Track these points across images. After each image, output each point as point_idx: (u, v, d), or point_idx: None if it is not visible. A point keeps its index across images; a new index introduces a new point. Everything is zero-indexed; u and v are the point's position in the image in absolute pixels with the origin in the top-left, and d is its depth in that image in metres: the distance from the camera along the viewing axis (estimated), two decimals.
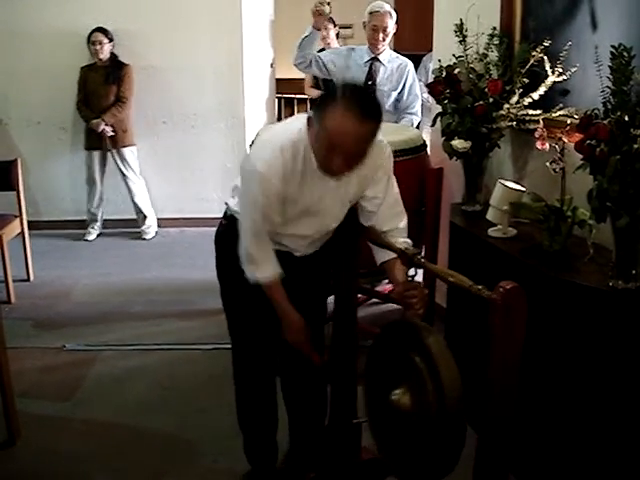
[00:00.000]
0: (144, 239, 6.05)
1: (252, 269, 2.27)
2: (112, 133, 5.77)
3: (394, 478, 2.32)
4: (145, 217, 6.09)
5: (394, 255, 2.30)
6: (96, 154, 5.88)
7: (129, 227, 6.18)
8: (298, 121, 2.21)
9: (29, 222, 5.02)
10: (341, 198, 2.29)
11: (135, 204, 6.05)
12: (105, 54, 5.77)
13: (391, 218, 2.35)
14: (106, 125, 5.72)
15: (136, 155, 6.03)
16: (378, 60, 4.51)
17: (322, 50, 6.26)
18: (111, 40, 5.79)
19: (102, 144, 5.80)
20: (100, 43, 5.72)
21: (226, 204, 2.50)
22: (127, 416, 3.29)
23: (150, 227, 6.12)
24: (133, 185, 6.00)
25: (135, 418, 3.27)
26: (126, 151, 5.93)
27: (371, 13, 4.44)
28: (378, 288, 4.26)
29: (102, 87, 5.78)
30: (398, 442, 2.14)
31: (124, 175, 5.95)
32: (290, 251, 2.40)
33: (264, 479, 2.76)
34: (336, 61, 4.56)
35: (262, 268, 2.26)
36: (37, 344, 4.01)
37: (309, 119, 2.09)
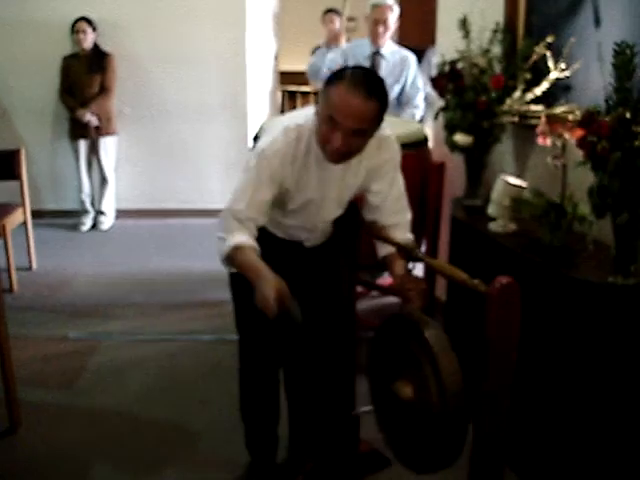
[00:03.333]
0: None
1: (224, 237, 2.13)
2: (97, 123, 5.79)
3: (391, 470, 2.34)
4: (103, 213, 6.10)
5: (394, 250, 2.32)
6: (81, 144, 5.91)
7: (132, 217, 6.20)
8: (307, 110, 2.25)
9: (32, 211, 5.03)
10: (343, 189, 2.31)
11: (101, 195, 6.08)
12: (88, 43, 5.78)
13: (395, 213, 2.37)
14: (91, 115, 5.74)
15: (116, 145, 6.07)
16: (380, 54, 4.53)
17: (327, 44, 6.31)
18: (95, 30, 5.82)
19: (87, 133, 5.82)
20: (84, 32, 5.74)
21: None
22: (128, 406, 3.31)
23: (103, 223, 6.12)
24: (108, 175, 6.04)
25: (136, 408, 3.29)
26: (108, 140, 5.96)
27: (373, 6, 4.47)
28: (379, 281, 4.28)
29: (85, 77, 5.80)
30: (403, 432, 2.16)
31: (101, 165, 5.98)
32: (300, 241, 2.41)
33: (264, 470, 2.78)
34: (339, 61, 4.61)
35: (233, 236, 2.11)
36: (39, 333, 4.03)
37: (316, 100, 2.13)
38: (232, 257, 2.11)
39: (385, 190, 2.34)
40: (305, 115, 2.20)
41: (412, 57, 4.62)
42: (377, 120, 2.08)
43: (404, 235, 2.35)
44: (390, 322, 2.26)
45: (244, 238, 2.10)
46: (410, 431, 2.12)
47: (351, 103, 1.99)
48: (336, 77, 2.04)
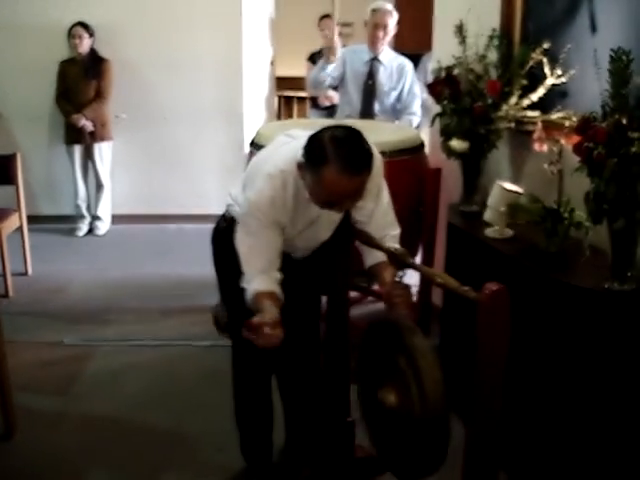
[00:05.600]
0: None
1: (246, 286, 2.23)
2: (92, 128, 5.78)
3: (388, 475, 2.34)
4: (99, 218, 6.08)
5: (382, 259, 2.33)
6: (76, 149, 5.90)
7: (128, 222, 6.20)
8: (287, 148, 2.24)
9: (28, 216, 5.02)
10: (331, 215, 2.32)
11: (96, 200, 6.07)
12: (84, 48, 5.77)
13: (383, 228, 2.36)
14: (86, 120, 5.73)
15: (111, 150, 6.05)
16: (378, 60, 4.54)
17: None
18: (92, 35, 5.80)
19: (82, 139, 5.81)
20: (80, 37, 5.72)
21: (226, 208, 2.52)
22: (125, 411, 3.30)
23: (99, 228, 6.10)
24: (104, 181, 6.03)
25: (133, 413, 3.28)
26: (103, 146, 5.95)
27: (373, 11, 4.49)
28: (374, 287, 4.27)
29: (81, 82, 5.78)
30: (389, 438, 2.16)
31: (97, 170, 5.97)
32: (288, 253, 2.42)
33: (260, 476, 2.77)
34: (339, 68, 4.61)
35: (251, 284, 2.21)
36: (35, 338, 4.02)
37: (299, 165, 2.10)
38: (252, 302, 2.20)
39: (370, 206, 2.33)
40: (289, 158, 2.17)
41: (409, 64, 4.64)
42: (369, 176, 2.08)
43: (393, 246, 2.34)
44: (375, 328, 2.26)
45: (263, 284, 2.17)
46: (396, 436, 2.12)
47: (346, 186, 2.00)
48: (320, 158, 2.00)
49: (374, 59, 4.54)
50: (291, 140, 2.28)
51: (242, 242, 2.25)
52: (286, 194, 2.17)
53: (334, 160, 1.97)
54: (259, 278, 2.19)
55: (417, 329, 2.09)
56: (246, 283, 2.21)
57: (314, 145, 2.05)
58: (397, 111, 4.63)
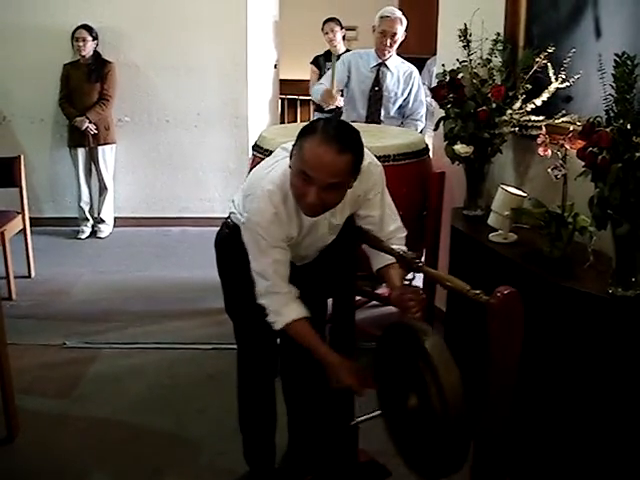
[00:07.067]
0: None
1: (273, 319, 2.23)
2: (95, 131, 5.78)
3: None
4: (102, 220, 6.08)
5: (391, 261, 2.32)
6: (80, 151, 5.89)
7: (131, 225, 6.20)
8: (283, 161, 2.23)
9: (31, 219, 5.02)
10: (333, 225, 2.32)
11: (100, 202, 6.07)
12: (88, 51, 5.77)
13: (389, 234, 2.36)
14: (90, 123, 5.74)
15: (115, 154, 6.06)
16: (385, 65, 4.52)
17: (327, 53, 6.29)
18: (95, 38, 5.80)
19: (85, 142, 5.82)
20: (83, 40, 5.72)
21: (229, 214, 2.52)
22: (126, 414, 3.29)
23: (102, 230, 6.09)
24: (107, 183, 6.03)
25: (134, 416, 3.28)
26: (107, 149, 5.95)
27: (381, 18, 4.44)
28: (378, 291, 4.27)
29: (85, 85, 5.79)
30: (410, 438, 2.15)
31: (100, 173, 5.97)
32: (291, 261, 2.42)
33: None
34: (344, 70, 4.58)
35: (281, 315, 2.22)
36: (37, 341, 4.01)
37: (290, 154, 2.10)
38: (287, 332, 2.24)
39: (374, 214, 2.34)
40: (283, 171, 2.17)
41: (416, 71, 4.62)
42: (352, 172, 2.06)
43: (400, 247, 2.34)
44: (390, 331, 2.25)
45: (289, 315, 2.21)
46: (416, 437, 2.11)
47: (323, 158, 1.97)
48: (308, 131, 2.02)
49: (381, 65, 4.51)
50: (287, 154, 2.28)
51: (257, 266, 2.23)
52: (287, 210, 2.18)
53: (319, 132, 1.99)
54: (287, 306, 2.22)
55: (432, 330, 2.08)
56: (272, 314, 2.23)
57: (306, 126, 2.08)
58: (403, 117, 4.62)
